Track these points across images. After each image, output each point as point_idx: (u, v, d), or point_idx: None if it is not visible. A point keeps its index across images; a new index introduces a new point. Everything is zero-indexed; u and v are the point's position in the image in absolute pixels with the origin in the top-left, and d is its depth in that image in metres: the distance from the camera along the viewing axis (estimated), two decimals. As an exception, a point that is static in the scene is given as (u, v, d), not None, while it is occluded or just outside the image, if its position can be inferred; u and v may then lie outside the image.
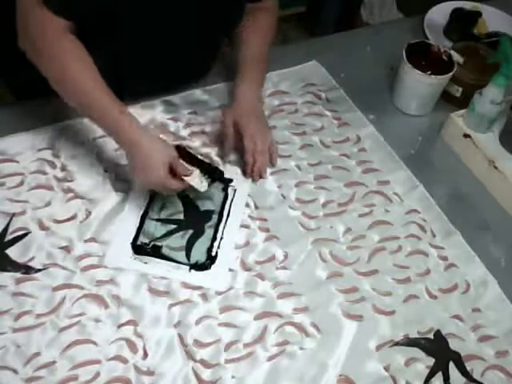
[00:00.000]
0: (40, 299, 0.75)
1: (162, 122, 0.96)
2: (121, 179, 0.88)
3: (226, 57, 1.07)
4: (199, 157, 0.88)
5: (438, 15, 1.23)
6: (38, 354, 0.71)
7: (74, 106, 0.82)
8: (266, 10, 0.99)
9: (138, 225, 0.83)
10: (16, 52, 0.92)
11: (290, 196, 0.90)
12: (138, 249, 0.80)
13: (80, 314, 0.74)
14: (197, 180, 0.82)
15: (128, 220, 0.83)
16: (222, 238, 0.83)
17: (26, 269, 0.77)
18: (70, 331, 0.73)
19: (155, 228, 0.83)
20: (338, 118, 1.02)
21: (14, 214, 0.82)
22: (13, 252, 0.79)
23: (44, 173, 0.87)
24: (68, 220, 0.83)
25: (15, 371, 0.69)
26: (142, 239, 0.82)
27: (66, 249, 0.80)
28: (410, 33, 1.21)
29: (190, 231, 0.84)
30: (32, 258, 0.78)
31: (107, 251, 0.80)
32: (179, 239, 0.82)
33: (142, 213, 0.84)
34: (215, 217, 0.86)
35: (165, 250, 0.81)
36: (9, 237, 0.80)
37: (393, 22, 1.55)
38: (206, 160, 0.89)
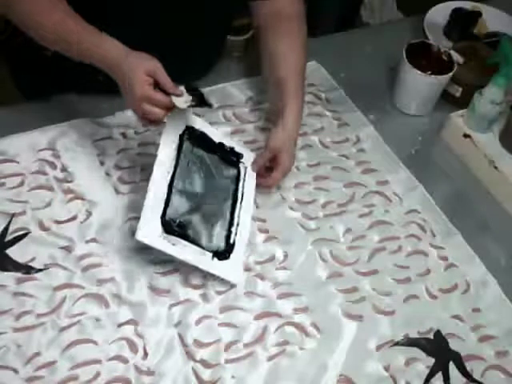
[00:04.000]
0: (40, 299, 0.75)
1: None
2: (122, 180, 0.88)
3: (225, 58, 1.08)
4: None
5: (438, 15, 1.23)
6: (38, 354, 0.71)
7: (49, 44, 0.81)
8: (295, 20, 0.95)
9: (165, 196, 0.78)
10: (26, 52, 0.93)
11: (290, 197, 0.90)
12: (167, 226, 0.76)
13: (80, 314, 0.74)
14: (181, 99, 0.76)
15: (156, 190, 0.77)
16: (238, 224, 0.82)
17: (27, 269, 0.77)
18: (71, 331, 0.73)
19: (180, 202, 0.79)
20: (338, 119, 1.02)
21: (14, 215, 0.82)
22: (13, 252, 0.79)
23: (44, 173, 0.87)
24: (68, 221, 0.83)
25: (15, 371, 0.69)
26: (170, 214, 0.77)
27: (67, 249, 0.80)
28: (410, 33, 1.21)
29: (211, 210, 0.81)
30: (33, 258, 0.78)
31: (139, 224, 0.74)
32: (200, 219, 0.80)
33: (168, 182, 0.79)
34: (231, 195, 0.84)
35: (190, 232, 0.78)
36: (9, 237, 0.80)
37: (393, 22, 1.55)
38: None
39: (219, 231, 0.81)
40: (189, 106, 0.76)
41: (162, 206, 0.77)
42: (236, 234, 0.81)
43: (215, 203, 0.82)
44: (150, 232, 0.74)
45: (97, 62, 0.78)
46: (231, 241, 0.80)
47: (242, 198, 0.84)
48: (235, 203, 0.83)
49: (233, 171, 0.86)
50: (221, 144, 0.87)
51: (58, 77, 0.95)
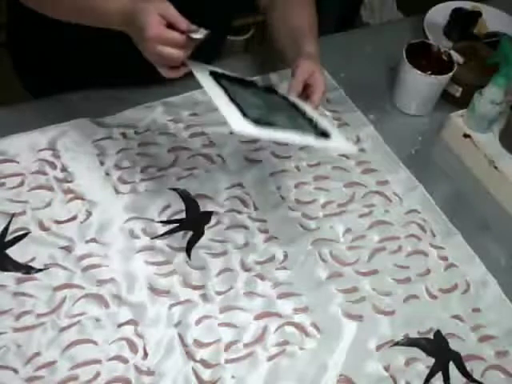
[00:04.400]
0: (40, 299, 0.75)
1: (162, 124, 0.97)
2: (122, 180, 0.88)
3: (225, 58, 1.08)
4: None
5: (438, 15, 1.23)
6: (38, 354, 0.71)
7: (62, 15, 0.80)
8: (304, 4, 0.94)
9: (233, 103, 0.69)
10: (30, 47, 0.92)
11: (290, 197, 0.90)
12: (255, 121, 0.67)
13: (80, 314, 0.74)
14: (197, 34, 0.72)
15: (221, 101, 0.70)
16: (315, 118, 0.77)
17: (27, 269, 0.77)
18: (71, 331, 0.73)
19: (251, 108, 0.70)
20: (338, 119, 1.02)
21: (14, 215, 0.82)
22: (13, 252, 0.79)
23: (44, 173, 0.87)
24: (68, 221, 0.83)
25: (15, 371, 0.69)
26: (250, 114, 0.68)
27: (67, 249, 0.80)
28: (410, 33, 1.21)
29: (282, 115, 0.75)
30: (33, 258, 0.78)
31: (228, 120, 0.66)
32: (278, 120, 0.73)
33: (228, 98, 0.71)
34: (291, 106, 0.79)
35: (278, 125, 0.70)
36: (9, 237, 0.80)
37: (393, 22, 1.56)
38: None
39: (303, 124, 0.74)
40: (206, 35, 0.72)
41: (238, 110, 0.68)
42: (319, 123, 0.76)
43: (283, 110, 0.76)
44: (243, 124, 0.66)
45: (108, 22, 0.76)
46: (320, 127, 0.75)
47: (300, 107, 0.79)
48: (298, 110, 0.78)
49: (275, 95, 0.82)
50: (248, 80, 0.81)
51: (64, 74, 0.96)
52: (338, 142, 0.75)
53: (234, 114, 0.67)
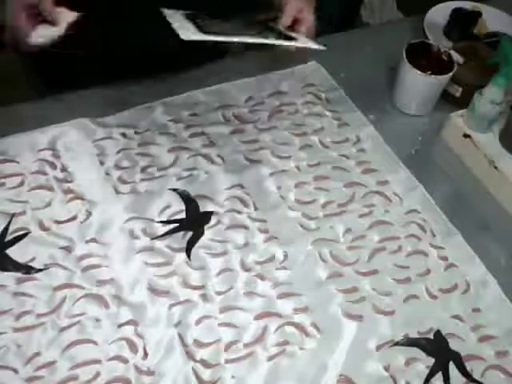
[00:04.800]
0: (40, 299, 0.75)
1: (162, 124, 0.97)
2: (121, 180, 0.88)
3: (225, 58, 1.08)
4: None
5: (438, 15, 1.23)
6: (38, 354, 0.71)
7: None
8: None
9: (193, 25, 0.70)
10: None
11: (290, 197, 0.90)
12: (206, 33, 0.68)
13: (80, 314, 0.74)
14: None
15: (176, 21, 0.70)
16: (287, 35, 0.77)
17: (27, 269, 0.77)
18: (71, 331, 0.73)
19: (210, 26, 0.71)
20: (338, 119, 1.02)
21: (14, 215, 0.82)
22: (13, 252, 0.79)
23: (44, 173, 0.87)
24: (68, 221, 0.83)
25: (15, 371, 0.69)
26: (208, 30, 0.68)
27: (67, 249, 0.80)
28: (410, 33, 1.21)
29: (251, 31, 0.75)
30: (33, 258, 0.78)
31: (177, 30, 0.67)
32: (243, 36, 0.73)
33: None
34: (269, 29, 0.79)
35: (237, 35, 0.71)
36: (9, 237, 0.80)
37: (393, 22, 1.56)
38: None
39: (269, 35, 0.74)
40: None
41: (195, 27, 0.69)
42: (288, 33, 0.75)
43: (251, 30, 0.76)
44: (190, 33, 0.67)
45: None
46: (287, 35, 0.74)
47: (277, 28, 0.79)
48: (273, 30, 0.77)
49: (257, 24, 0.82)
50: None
51: (67, 70, 0.96)
52: (302, 43, 0.74)
53: (187, 29, 0.68)
